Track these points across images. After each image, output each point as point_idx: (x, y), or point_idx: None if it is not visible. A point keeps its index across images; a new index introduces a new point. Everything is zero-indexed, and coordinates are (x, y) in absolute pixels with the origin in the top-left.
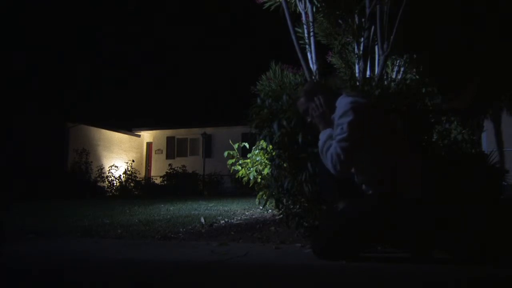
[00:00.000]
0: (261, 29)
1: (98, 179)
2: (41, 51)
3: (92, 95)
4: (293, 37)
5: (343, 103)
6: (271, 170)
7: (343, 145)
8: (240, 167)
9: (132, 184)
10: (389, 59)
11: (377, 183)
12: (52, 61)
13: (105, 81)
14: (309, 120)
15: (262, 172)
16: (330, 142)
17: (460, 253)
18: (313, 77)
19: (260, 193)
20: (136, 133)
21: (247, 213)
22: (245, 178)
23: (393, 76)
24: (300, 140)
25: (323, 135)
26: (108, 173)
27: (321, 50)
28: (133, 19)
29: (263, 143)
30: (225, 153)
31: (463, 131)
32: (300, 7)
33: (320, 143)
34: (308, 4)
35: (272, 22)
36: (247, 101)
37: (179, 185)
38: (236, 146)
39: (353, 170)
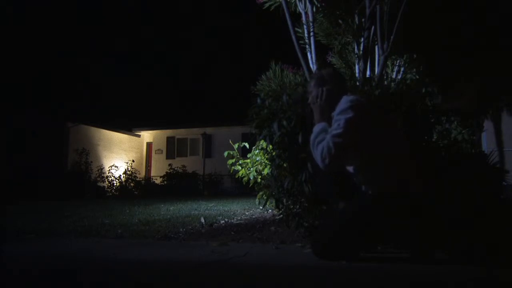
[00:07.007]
0: (261, 29)
1: (98, 179)
2: (41, 51)
3: (92, 95)
4: (293, 37)
5: (343, 101)
6: (271, 170)
7: (336, 141)
8: (240, 167)
9: (132, 184)
10: (389, 59)
11: (377, 183)
12: (52, 60)
13: (106, 81)
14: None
15: (262, 172)
16: (323, 135)
17: (460, 253)
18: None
19: (260, 193)
20: (136, 133)
21: (247, 213)
22: (245, 178)
23: (393, 76)
24: (300, 140)
25: (317, 128)
26: (108, 173)
27: (321, 50)
28: (134, 19)
29: (263, 143)
30: (225, 153)
31: (463, 131)
32: (300, 7)
33: (312, 135)
34: (308, 4)
35: (272, 22)
36: (247, 101)
37: (179, 185)
38: (236, 146)
39: (352, 169)
